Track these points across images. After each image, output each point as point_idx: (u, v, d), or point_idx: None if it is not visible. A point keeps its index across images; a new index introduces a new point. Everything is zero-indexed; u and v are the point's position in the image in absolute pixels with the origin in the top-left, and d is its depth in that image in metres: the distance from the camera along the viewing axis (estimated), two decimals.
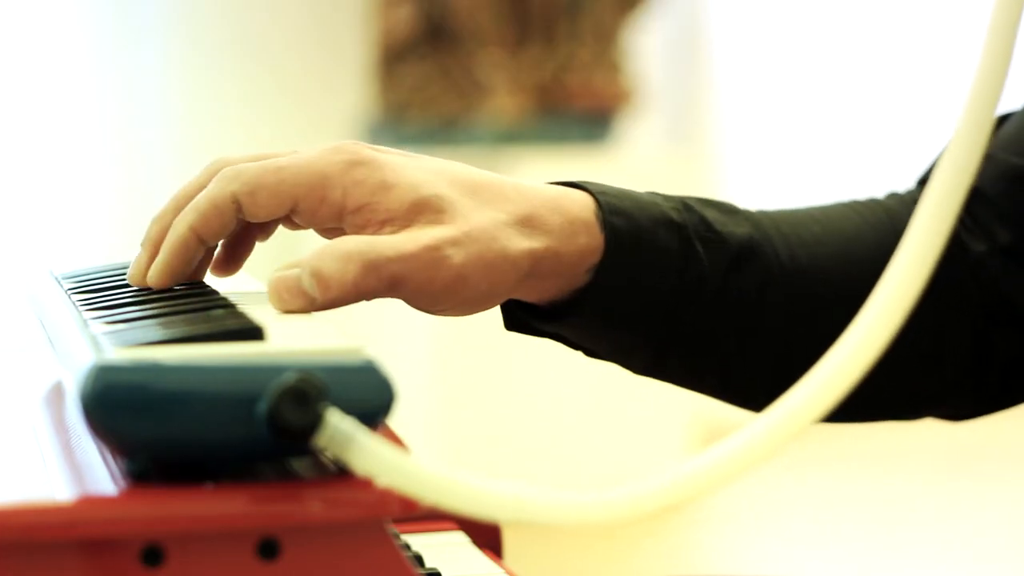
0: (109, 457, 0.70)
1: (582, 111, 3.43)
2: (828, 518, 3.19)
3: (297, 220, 0.80)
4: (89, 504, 0.65)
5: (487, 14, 3.38)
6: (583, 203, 0.85)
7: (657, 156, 3.73)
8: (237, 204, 0.78)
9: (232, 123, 3.55)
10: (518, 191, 0.83)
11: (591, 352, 0.90)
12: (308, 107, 3.61)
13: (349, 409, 0.64)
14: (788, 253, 0.91)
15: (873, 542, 3.06)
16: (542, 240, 0.82)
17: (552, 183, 0.86)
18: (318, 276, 0.76)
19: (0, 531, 0.62)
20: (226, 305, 0.76)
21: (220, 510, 0.63)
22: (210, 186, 0.79)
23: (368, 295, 0.77)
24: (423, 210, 0.79)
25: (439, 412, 3.18)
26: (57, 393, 0.88)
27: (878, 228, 0.95)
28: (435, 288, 0.79)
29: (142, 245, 0.81)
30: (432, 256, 0.78)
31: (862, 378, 0.91)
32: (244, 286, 0.86)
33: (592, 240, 0.84)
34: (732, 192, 3.90)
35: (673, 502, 0.65)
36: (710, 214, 0.89)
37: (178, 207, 0.81)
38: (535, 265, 0.82)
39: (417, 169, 0.80)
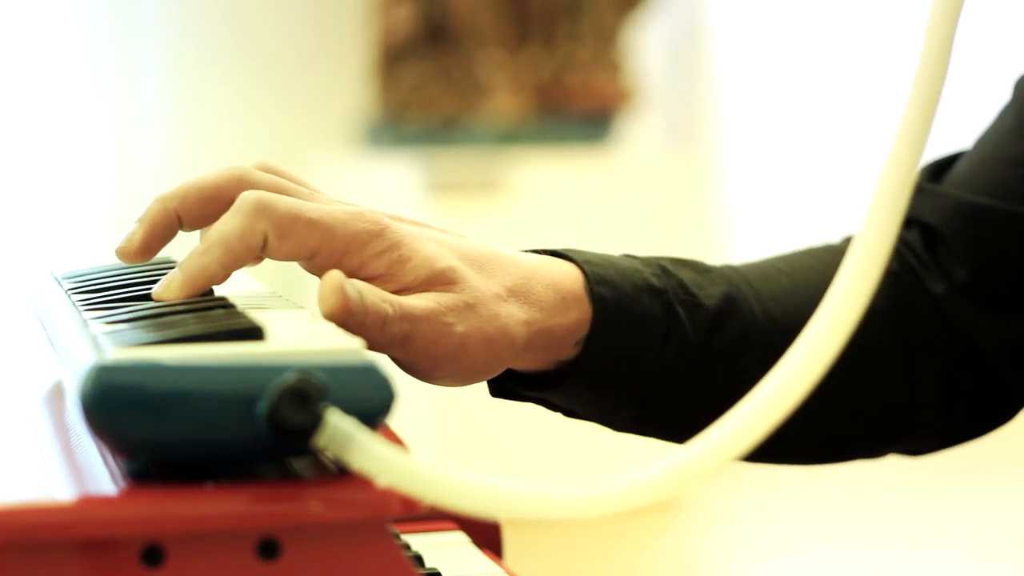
0: (109, 457, 0.70)
1: (582, 111, 3.43)
2: (827, 518, 3.20)
3: (303, 266, 0.80)
4: (89, 504, 0.65)
5: (487, 14, 3.38)
6: (572, 276, 0.87)
7: (657, 156, 3.72)
8: (264, 241, 0.78)
9: (232, 123, 3.55)
10: (515, 264, 0.85)
11: (572, 414, 0.92)
12: (308, 107, 3.61)
13: (349, 409, 0.64)
14: (761, 308, 0.94)
15: (872, 542, 3.06)
16: (536, 315, 0.85)
17: (536, 251, 0.88)
18: (359, 294, 0.77)
19: (0, 531, 0.62)
20: (226, 305, 0.76)
21: (220, 510, 0.63)
22: (239, 221, 0.77)
23: (382, 340, 0.78)
24: (435, 283, 0.81)
25: (439, 412, 3.18)
26: (57, 393, 0.88)
27: None
28: (438, 352, 0.81)
29: (139, 221, 0.80)
30: (439, 320, 0.80)
31: (827, 422, 0.92)
32: (244, 286, 0.86)
33: (582, 314, 0.87)
34: (732, 192, 3.90)
35: (669, 491, 0.66)
36: (686, 276, 0.92)
37: (185, 196, 0.80)
38: (530, 340, 0.85)
39: (431, 242, 0.82)
